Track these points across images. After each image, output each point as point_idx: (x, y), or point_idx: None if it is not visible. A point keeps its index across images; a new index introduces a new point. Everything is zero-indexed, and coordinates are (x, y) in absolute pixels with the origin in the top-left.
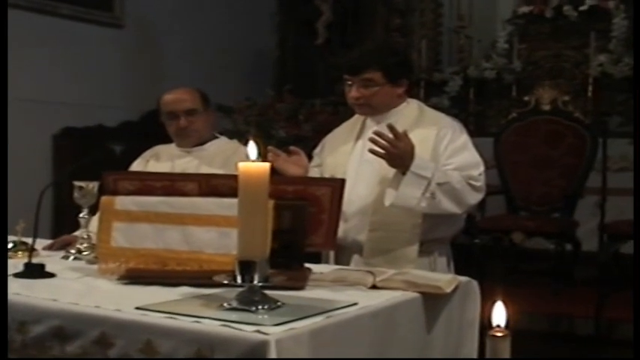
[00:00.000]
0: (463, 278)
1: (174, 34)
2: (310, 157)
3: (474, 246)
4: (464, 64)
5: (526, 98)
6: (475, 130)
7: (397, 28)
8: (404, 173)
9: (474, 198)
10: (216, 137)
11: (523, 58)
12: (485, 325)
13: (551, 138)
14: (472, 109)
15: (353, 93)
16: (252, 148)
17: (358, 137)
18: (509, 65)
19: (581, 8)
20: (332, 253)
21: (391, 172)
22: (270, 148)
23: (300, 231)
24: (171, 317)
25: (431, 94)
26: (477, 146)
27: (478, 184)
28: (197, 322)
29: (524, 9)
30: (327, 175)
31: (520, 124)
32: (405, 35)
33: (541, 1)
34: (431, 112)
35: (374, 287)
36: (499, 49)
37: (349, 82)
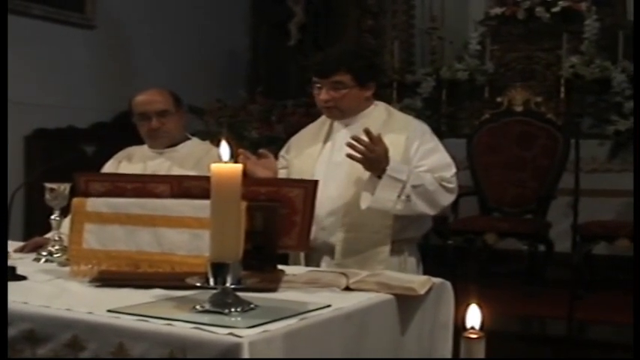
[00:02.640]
0: (437, 279)
1: (147, 35)
2: (277, 159)
3: (447, 247)
4: (436, 66)
5: (498, 99)
6: (448, 132)
7: (369, 29)
8: (379, 176)
9: (447, 199)
10: (189, 138)
11: (495, 59)
12: (459, 326)
13: (524, 139)
14: (445, 111)
15: (322, 96)
16: (224, 149)
17: (326, 139)
18: (482, 66)
19: (554, 10)
20: (302, 255)
21: (361, 173)
22: (240, 150)
23: (272, 232)
24: (143, 320)
25: (403, 95)
26: (449, 147)
27: (451, 185)
28: (169, 324)
29: (497, 10)
30: (294, 178)
31: (492, 125)
32: (378, 37)
33: (513, 2)
34: (399, 115)
35: (347, 289)
36: (471, 50)
37: (318, 85)
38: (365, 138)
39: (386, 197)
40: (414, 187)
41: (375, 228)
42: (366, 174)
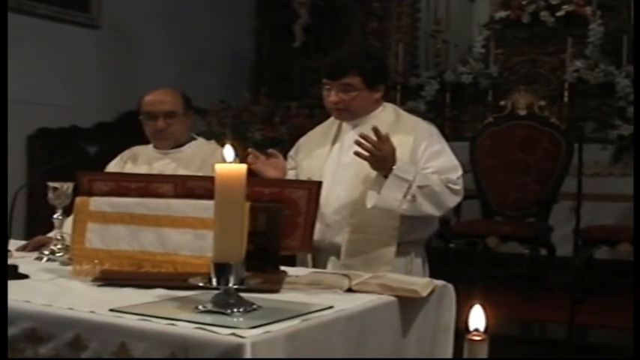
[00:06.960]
0: (439, 282)
1: (151, 36)
2: (286, 160)
3: (449, 250)
4: (440, 69)
5: (502, 103)
6: (451, 135)
7: (374, 31)
8: (386, 176)
9: (453, 201)
10: (194, 139)
11: (499, 63)
12: (461, 329)
13: (527, 143)
14: (448, 114)
15: (332, 98)
16: (229, 150)
17: (334, 141)
18: (486, 70)
19: (558, 14)
20: (309, 256)
21: (369, 174)
22: (250, 150)
23: (275, 233)
24: (145, 319)
25: (407, 98)
26: (452, 150)
27: (457, 187)
28: (172, 324)
29: (501, 14)
30: (303, 178)
31: (496, 129)
32: (382, 39)
33: (518, 6)
34: (407, 117)
35: (350, 290)
36: (476, 53)
37: (328, 87)
38: (373, 136)
39: (392, 196)
40: (420, 187)
41: (381, 229)
42: (374, 175)
